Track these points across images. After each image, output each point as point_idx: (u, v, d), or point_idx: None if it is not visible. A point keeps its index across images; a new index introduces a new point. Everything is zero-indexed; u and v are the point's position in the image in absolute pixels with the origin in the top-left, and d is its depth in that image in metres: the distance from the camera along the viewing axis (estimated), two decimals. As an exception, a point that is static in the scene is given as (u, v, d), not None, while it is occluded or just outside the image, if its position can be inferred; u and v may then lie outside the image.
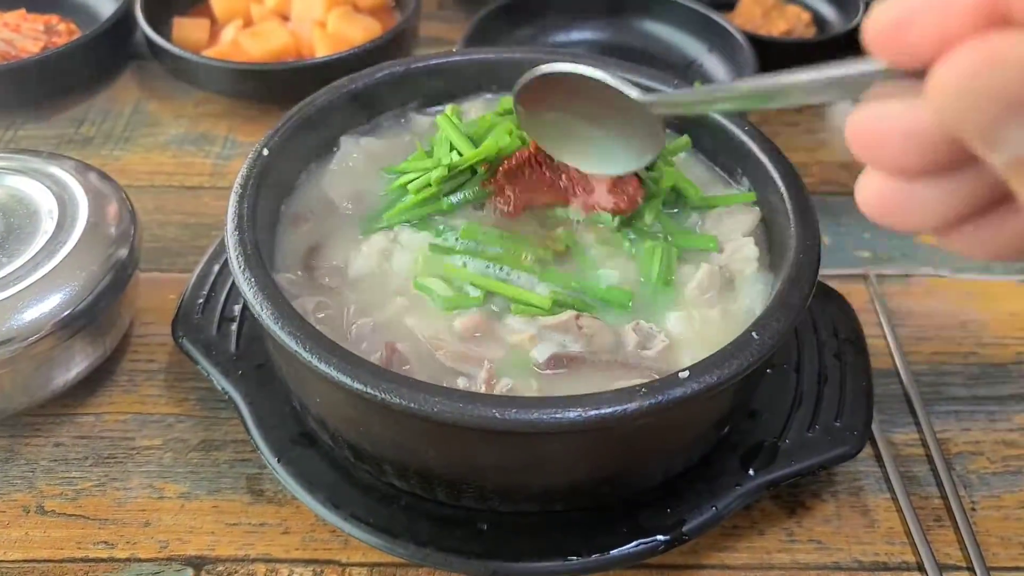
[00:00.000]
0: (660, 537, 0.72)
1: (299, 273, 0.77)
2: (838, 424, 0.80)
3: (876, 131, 0.34)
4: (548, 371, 0.69)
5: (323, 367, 0.63)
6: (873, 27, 0.33)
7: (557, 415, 0.60)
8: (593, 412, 0.60)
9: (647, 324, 0.72)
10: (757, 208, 0.81)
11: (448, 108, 0.90)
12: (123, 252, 0.88)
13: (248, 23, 1.37)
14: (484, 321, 0.73)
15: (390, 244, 0.78)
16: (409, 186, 0.80)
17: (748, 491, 0.76)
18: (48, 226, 0.87)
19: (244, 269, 0.70)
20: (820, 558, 0.78)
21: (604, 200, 0.77)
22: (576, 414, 0.60)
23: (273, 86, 1.26)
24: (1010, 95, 0.28)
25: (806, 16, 1.40)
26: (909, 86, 0.32)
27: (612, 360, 0.69)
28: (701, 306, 0.73)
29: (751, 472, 0.77)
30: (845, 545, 0.79)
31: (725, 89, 0.59)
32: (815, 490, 0.83)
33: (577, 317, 0.71)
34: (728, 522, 0.78)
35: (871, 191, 0.36)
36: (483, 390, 0.67)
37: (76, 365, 0.88)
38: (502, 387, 0.67)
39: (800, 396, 0.83)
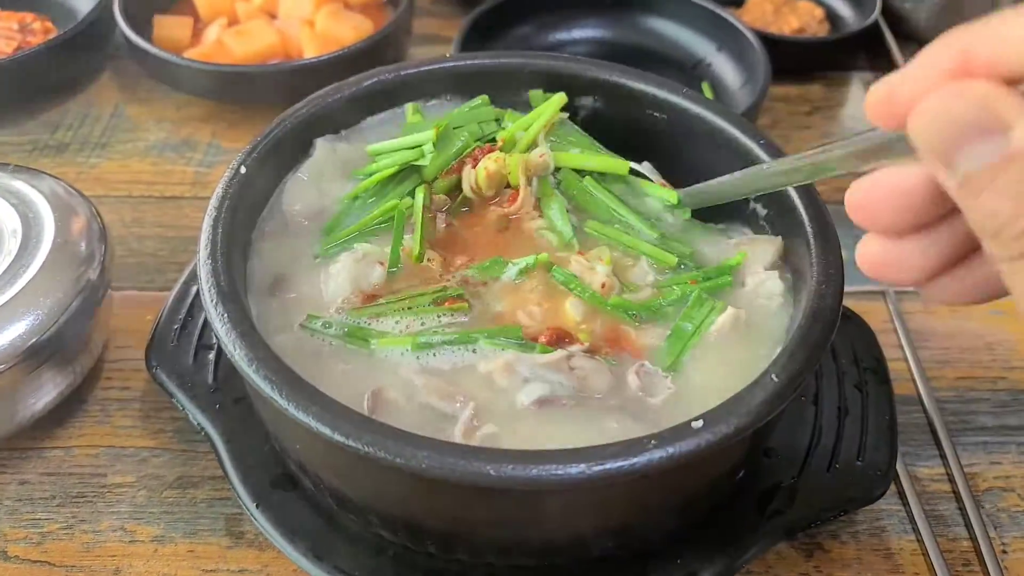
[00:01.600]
0: (670, 592, 0.66)
1: (267, 300, 0.71)
2: (860, 463, 0.75)
3: (871, 196, 0.44)
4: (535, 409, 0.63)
5: (301, 416, 0.57)
6: (869, 103, 0.42)
7: (558, 471, 0.54)
8: (598, 467, 0.55)
9: (652, 367, 0.66)
10: (780, 237, 0.75)
11: (408, 106, 0.84)
12: (93, 273, 0.83)
13: (233, 21, 1.30)
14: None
15: (360, 267, 0.72)
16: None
17: (764, 538, 0.70)
18: (11, 246, 0.81)
19: (217, 304, 0.64)
20: (840, 607, 0.73)
21: None
22: (579, 470, 0.55)
23: (259, 89, 1.20)
24: (965, 122, 0.37)
25: (819, 12, 1.34)
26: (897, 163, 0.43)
27: (609, 405, 0.63)
28: (719, 349, 0.67)
29: (766, 516, 0.71)
30: (867, 592, 0.74)
31: (754, 175, 0.67)
32: (834, 531, 0.77)
33: (569, 357, 0.65)
34: (743, 567, 0.73)
35: (869, 252, 0.46)
36: (461, 433, 0.61)
37: (44, 395, 0.82)
38: (484, 433, 0.61)
39: (819, 431, 0.77)
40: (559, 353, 0.65)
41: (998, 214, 0.37)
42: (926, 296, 0.47)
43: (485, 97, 0.85)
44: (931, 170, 0.40)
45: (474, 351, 0.67)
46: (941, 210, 0.43)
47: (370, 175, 0.79)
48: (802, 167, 0.56)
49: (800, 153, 0.57)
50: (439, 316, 0.69)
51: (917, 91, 0.39)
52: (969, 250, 0.45)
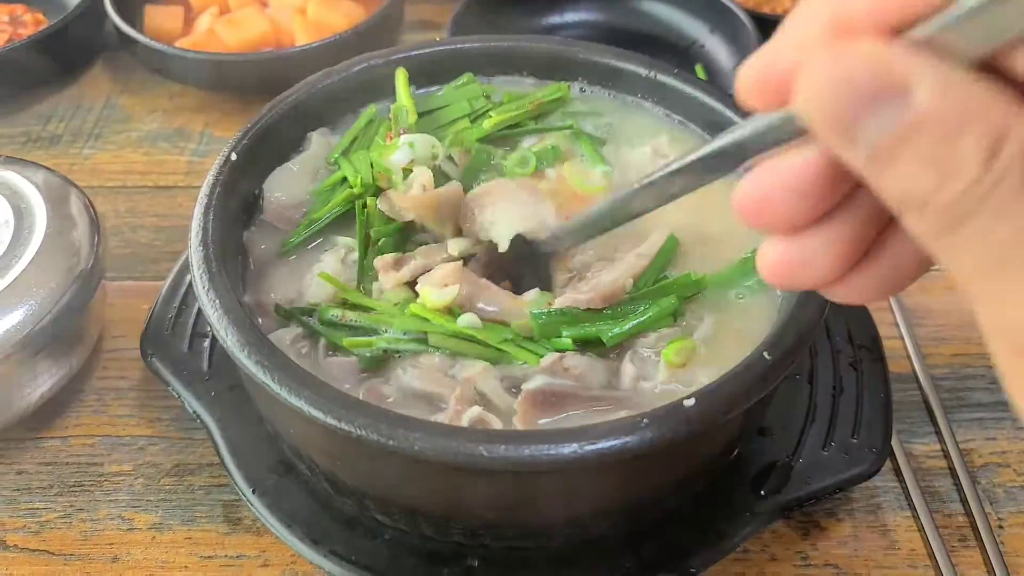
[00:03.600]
0: (665, 573, 0.66)
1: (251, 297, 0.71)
2: (855, 440, 0.75)
3: (761, 189, 0.38)
4: (534, 410, 0.63)
5: (294, 400, 0.58)
6: (741, 84, 0.38)
7: (551, 452, 0.55)
8: (590, 448, 0.55)
9: (647, 350, 0.65)
10: None
11: (399, 71, 0.83)
12: (86, 263, 0.83)
13: (224, 10, 1.30)
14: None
15: (346, 265, 0.72)
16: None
17: (759, 517, 0.70)
18: (3, 237, 0.81)
19: (208, 290, 0.64)
20: (837, 584, 0.73)
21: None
22: (572, 450, 0.55)
23: (252, 77, 1.20)
24: (858, 90, 0.32)
25: (812, -8, 1.33)
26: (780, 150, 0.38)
27: (604, 395, 0.63)
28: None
29: (762, 495, 0.71)
30: (864, 570, 0.74)
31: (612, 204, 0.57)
32: (830, 509, 0.77)
33: (561, 358, 0.64)
34: (738, 546, 0.73)
35: (769, 257, 0.40)
36: (451, 417, 0.61)
37: (40, 386, 0.82)
38: (470, 416, 0.61)
39: (814, 410, 0.77)
40: (551, 357, 0.64)
41: (918, 185, 0.32)
42: (836, 296, 0.41)
43: (469, 75, 0.85)
44: (831, 147, 0.35)
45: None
46: (840, 193, 0.38)
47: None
48: (668, 180, 0.48)
49: (663, 167, 0.48)
50: None
51: (796, 62, 0.34)
52: (872, 238, 0.40)
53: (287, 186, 0.78)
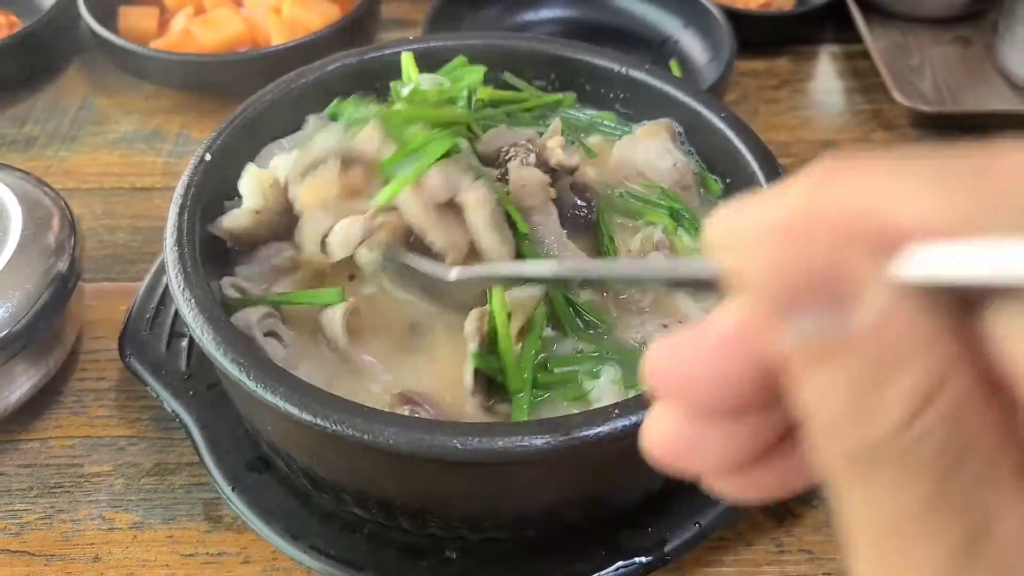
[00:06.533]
0: (641, 559, 0.68)
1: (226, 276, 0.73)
2: (828, 427, 0.76)
3: (687, 364, 0.29)
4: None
5: (269, 397, 0.58)
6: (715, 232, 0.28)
7: (524, 443, 0.56)
8: (564, 439, 0.56)
9: None
10: None
11: (405, 54, 0.85)
12: (63, 264, 0.83)
13: (199, 10, 1.29)
14: None
15: None
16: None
17: (734, 505, 0.71)
18: (-22, 241, 0.81)
19: (184, 290, 0.65)
20: (811, 569, 0.74)
21: None
22: (545, 441, 0.56)
23: (227, 77, 1.19)
24: (807, 275, 0.25)
25: (785, -14, 1.34)
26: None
27: None
28: None
29: (736, 483, 0.72)
30: (837, 554, 0.75)
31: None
32: (804, 496, 0.79)
33: None
34: (713, 533, 0.74)
35: (662, 432, 0.31)
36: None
37: (17, 388, 0.82)
38: None
39: (787, 398, 0.78)
40: None
41: (836, 407, 0.26)
42: (722, 490, 0.33)
43: (462, 58, 0.85)
44: (755, 322, 0.28)
45: None
46: (773, 394, 0.29)
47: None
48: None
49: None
50: None
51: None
52: (772, 442, 0.32)
53: (278, 164, 0.79)
